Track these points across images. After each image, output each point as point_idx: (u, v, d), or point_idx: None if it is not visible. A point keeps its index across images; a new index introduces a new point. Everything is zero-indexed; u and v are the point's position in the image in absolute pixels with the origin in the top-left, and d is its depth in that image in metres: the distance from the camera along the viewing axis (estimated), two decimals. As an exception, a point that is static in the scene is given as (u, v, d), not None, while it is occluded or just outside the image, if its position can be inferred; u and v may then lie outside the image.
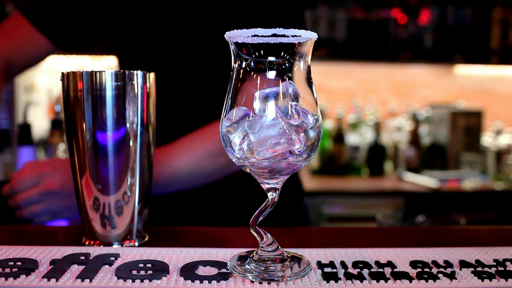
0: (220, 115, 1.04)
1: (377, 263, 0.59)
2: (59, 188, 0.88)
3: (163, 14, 1.11)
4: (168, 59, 1.12)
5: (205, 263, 0.58)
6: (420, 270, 0.57)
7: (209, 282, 0.53)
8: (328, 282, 0.53)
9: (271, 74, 0.53)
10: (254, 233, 0.57)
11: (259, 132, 0.52)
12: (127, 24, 1.15)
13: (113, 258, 0.59)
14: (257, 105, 0.53)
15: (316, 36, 0.54)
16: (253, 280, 0.53)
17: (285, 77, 0.53)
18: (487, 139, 2.92)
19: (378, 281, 0.53)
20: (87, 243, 0.70)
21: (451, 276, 0.54)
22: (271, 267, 0.55)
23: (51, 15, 1.15)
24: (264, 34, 0.51)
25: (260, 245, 0.57)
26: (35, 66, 1.26)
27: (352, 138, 2.84)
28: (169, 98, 1.10)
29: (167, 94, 1.10)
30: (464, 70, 3.16)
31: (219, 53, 1.06)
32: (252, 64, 0.54)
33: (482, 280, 0.54)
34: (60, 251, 0.62)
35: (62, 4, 1.16)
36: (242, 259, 0.58)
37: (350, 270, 0.57)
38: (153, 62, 1.12)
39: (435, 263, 0.59)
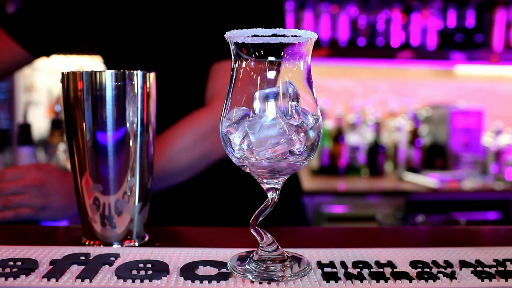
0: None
1: (377, 263, 0.59)
2: (41, 183, 0.90)
3: (150, 15, 1.11)
4: (156, 59, 1.11)
5: (205, 263, 0.58)
6: (420, 270, 0.57)
7: (209, 282, 0.53)
8: (328, 282, 0.53)
9: (271, 74, 0.53)
10: (254, 233, 0.57)
11: (259, 132, 0.52)
12: (114, 25, 1.13)
13: (113, 258, 0.59)
14: (257, 105, 0.53)
15: (316, 36, 0.54)
16: (253, 280, 0.53)
17: (285, 77, 0.53)
18: (487, 139, 2.92)
19: (378, 281, 0.53)
20: (87, 243, 0.70)
21: (451, 276, 0.54)
22: (271, 267, 0.55)
23: (26, 24, 1.14)
24: (264, 34, 0.51)
25: (260, 245, 0.57)
26: (11, 74, 1.26)
27: (352, 138, 2.84)
28: (172, 103, 1.11)
29: (170, 99, 1.10)
30: (464, 70, 3.16)
31: (206, 53, 1.06)
32: (252, 64, 0.54)
33: (482, 280, 0.54)
34: (60, 251, 0.62)
35: (38, 12, 1.15)
36: (242, 259, 0.58)
37: (350, 270, 0.57)
38: (140, 63, 1.11)
39: (435, 263, 0.59)
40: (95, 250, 0.62)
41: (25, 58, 1.17)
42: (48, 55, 1.20)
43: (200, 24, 1.07)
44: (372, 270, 0.57)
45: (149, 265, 0.57)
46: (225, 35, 0.54)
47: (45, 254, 0.61)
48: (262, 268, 0.55)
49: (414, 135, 2.91)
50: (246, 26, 0.52)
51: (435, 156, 2.92)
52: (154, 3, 1.10)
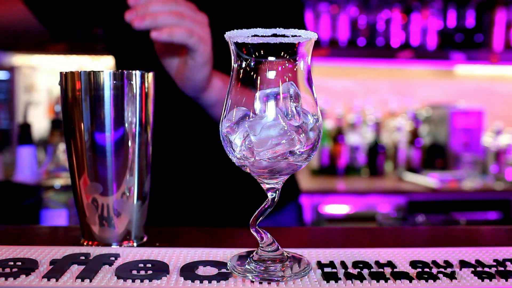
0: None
1: (377, 263, 0.59)
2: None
3: None
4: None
5: (205, 263, 0.58)
6: (420, 270, 0.57)
7: (209, 282, 0.52)
8: (328, 282, 0.53)
9: (271, 74, 0.53)
10: (254, 233, 0.57)
11: (260, 133, 0.52)
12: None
13: (113, 258, 0.59)
14: (257, 105, 0.53)
15: (316, 36, 0.54)
16: (253, 280, 0.53)
17: (285, 77, 0.53)
18: (487, 139, 2.92)
19: (378, 281, 0.53)
20: (85, 243, 0.69)
21: (451, 276, 0.54)
22: (271, 267, 0.55)
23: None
24: (264, 34, 0.51)
25: (260, 245, 0.57)
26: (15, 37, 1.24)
27: (352, 138, 2.84)
28: (166, 97, 1.10)
29: (164, 93, 1.09)
30: (464, 70, 3.16)
31: (217, 52, 1.06)
32: (252, 64, 0.54)
33: (482, 280, 0.54)
34: (60, 251, 0.62)
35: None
36: (242, 259, 0.58)
37: (350, 270, 0.57)
38: (150, 62, 1.11)
39: (435, 263, 0.59)
40: (95, 250, 0.62)
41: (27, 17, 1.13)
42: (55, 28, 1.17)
43: (219, 25, 1.07)
44: (372, 270, 0.57)
45: (149, 265, 0.57)
46: (225, 35, 0.54)
47: (45, 254, 0.61)
48: (262, 268, 0.55)
49: (414, 135, 2.91)
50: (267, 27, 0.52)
51: (435, 156, 2.92)
52: None
